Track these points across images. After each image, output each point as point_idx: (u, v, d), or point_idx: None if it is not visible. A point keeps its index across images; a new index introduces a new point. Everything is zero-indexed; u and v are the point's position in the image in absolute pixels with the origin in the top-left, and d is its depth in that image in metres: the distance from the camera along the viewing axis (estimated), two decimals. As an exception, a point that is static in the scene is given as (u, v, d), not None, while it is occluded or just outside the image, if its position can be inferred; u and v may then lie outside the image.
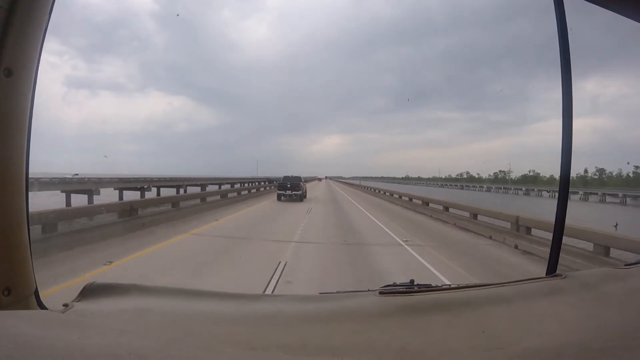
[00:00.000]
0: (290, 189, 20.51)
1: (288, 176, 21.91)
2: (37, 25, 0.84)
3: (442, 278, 6.09)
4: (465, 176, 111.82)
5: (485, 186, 77.54)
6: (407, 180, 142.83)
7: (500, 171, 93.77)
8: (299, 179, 21.77)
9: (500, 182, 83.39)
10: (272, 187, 30.87)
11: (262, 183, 41.86)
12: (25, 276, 0.85)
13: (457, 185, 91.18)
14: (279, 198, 20.46)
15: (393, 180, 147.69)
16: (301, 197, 20.79)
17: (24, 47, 0.81)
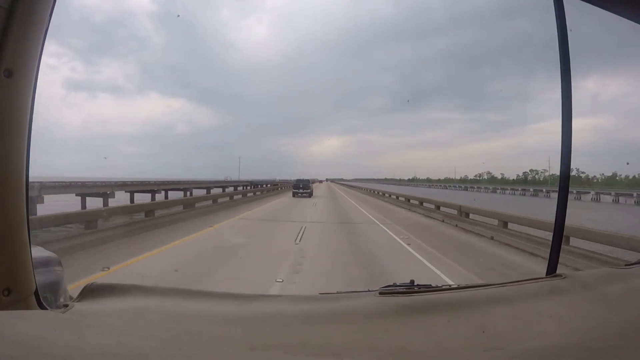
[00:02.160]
0: (302, 188, 29.09)
1: (300, 179, 31.25)
2: (37, 26, 0.83)
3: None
4: (485, 177, 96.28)
5: (531, 189, 58.28)
6: (415, 182, 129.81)
7: (531, 170, 77.33)
8: (307, 181, 31.28)
9: (531, 183, 68.42)
10: (257, 194, 30.01)
11: (242, 188, 36.24)
12: (25, 276, 0.84)
13: (487, 189, 70.06)
14: (294, 195, 28.49)
15: (399, 182, 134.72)
16: (310, 194, 28.85)
17: (24, 47, 0.81)
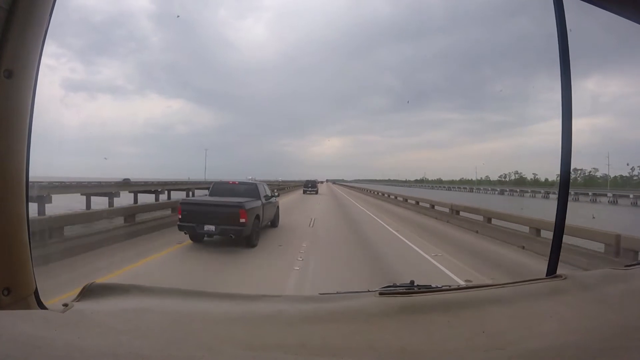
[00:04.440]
0: (310, 187, 37.60)
1: (309, 180, 40.02)
2: (37, 26, 0.83)
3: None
4: (513, 178, 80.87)
5: (609, 194, 42.39)
6: (424, 183, 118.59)
7: (575, 170, 52.32)
8: (315, 181, 40.61)
9: (575, 186, 49.59)
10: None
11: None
12: (25, 276, 0.85)
13: (537, 192, 51.53)
14: (304, 192, 36.19)
15: (407, 184, 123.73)
16: (317, 192, 37.12)
17: (24, 48, 0.81)
